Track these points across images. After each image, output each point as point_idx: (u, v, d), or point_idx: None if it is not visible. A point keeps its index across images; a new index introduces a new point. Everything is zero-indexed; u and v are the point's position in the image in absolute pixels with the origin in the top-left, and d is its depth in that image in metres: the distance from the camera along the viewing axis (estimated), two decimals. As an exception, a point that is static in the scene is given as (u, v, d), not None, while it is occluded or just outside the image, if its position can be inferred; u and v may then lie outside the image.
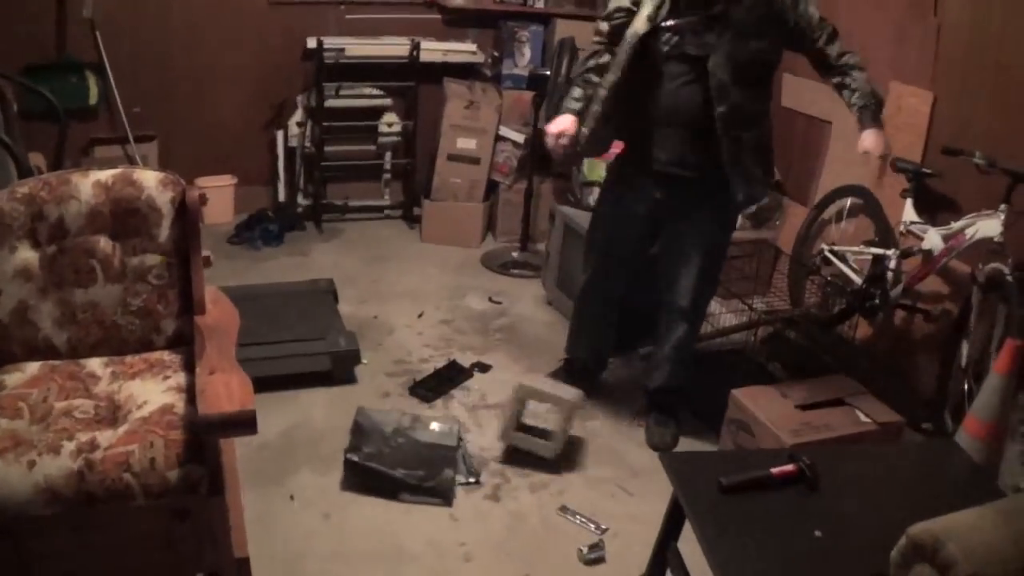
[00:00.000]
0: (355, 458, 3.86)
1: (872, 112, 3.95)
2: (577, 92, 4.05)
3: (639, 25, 3.81)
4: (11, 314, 3.27)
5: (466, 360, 4.98)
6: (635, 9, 3.85)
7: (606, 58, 3.98)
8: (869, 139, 3.97)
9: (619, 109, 3.97)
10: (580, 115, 4.02)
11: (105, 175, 3.40)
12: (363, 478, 3.87)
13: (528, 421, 4.20)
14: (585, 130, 3.99)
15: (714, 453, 4.17)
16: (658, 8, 3.77)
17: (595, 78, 4.01)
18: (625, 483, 4.06)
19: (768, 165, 4.06)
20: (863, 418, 3.98)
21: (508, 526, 3.76)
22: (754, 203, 4.23)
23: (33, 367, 3.24)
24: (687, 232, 4.08)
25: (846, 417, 4.00)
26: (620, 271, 4.39)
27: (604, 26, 4.01)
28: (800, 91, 5.92)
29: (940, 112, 4.85)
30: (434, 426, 4.03)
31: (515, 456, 4.16)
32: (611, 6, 3.99)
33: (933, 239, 4.52)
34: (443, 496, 3.85)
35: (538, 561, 3.56)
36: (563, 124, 4.00)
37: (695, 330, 4.39)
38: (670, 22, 3.77)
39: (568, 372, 4.72)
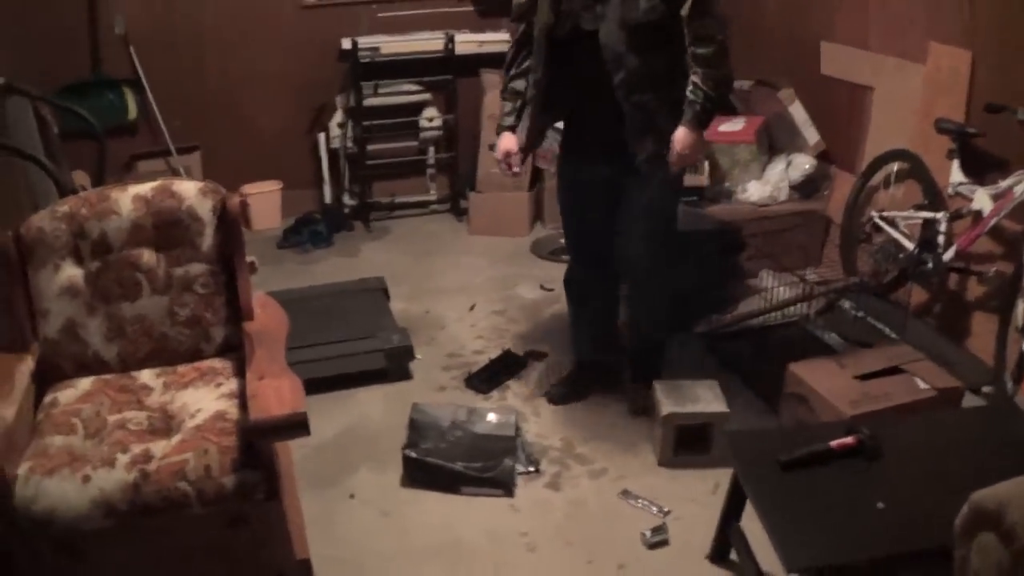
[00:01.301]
0: (413, 454, 3.86)
1: (695, 111, 3.72)
2: (507, 107, 4.08)
3: (544, 17, 3.78)
4: (60, 332, 3.30)
5: (520, 349, 4.95)
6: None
7: (526, 63, 3.99)
8: (676, 139, 3.77)
9: (549, 99, 3.96)
10: (516, 128, 4.07)
11: (144, 188, 3.42)
12: (423, 473, 3.87)
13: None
14: (523, 132, 4.06)
15: (773, 429, 4.12)
16: None
17: (520, 86, 4.03)
18: (686, 463, 4.01)
19: None
20: (922, 385, 3.92)
21: (569, 514, 3.74)
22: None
23: (85, 383, 3.26)
24: (633, 199, 3.98)
25: (905, 385, 3.95)
26: (595, 255, 4.29)
27: (514, 27, 4.02)
28: (839, 58, 5.85)
29: (980, 70, 4.75)
30: (491, 417, 4.01)
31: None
32: (514, 2, 3.98)
33: (982, 199, 4.44)
34: (504, 486, 3.83)
35: (601, 547, 3.54)
36: (505, 145, 4.05)
37: (657, 290, 4.30)
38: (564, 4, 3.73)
39: (579, 376, 4.64)
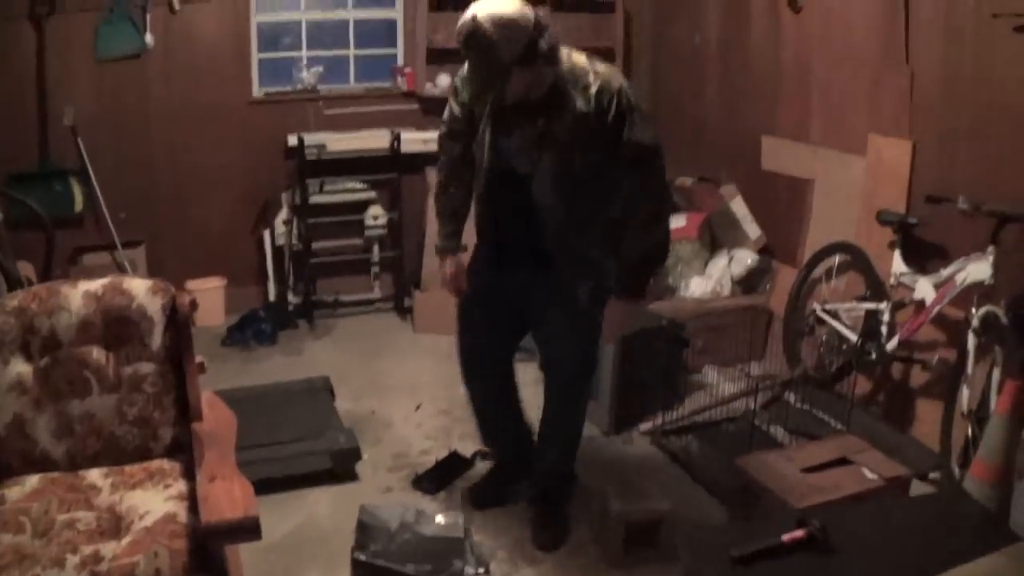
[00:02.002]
0: (363, 556, 3.80)
1: (627, 282, 3.76)
2: (448, 228, 4.16)
3: (481, 152, 3.79)
4: (7, 427, 3.25)
5: (467, 449, 4.91)
6: (470, 116, 3.85)
7: (456, 188, 4.08)
8: (611, 314, 3.83)
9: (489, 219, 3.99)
10: (455, 248, 4.16)
11: (95, 285, 3.41)
12: (372, 576, 3.82)
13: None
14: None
15: (723, 525, 4.14)
16: (487, 120, 3.74)
17: (458, 207, 4.11)
18: (636, 561, 3.98)
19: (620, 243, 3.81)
20: (870, 475, 3.94)
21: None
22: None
23: (33, 480, 3.21)
24: (554, 315, 3.94)
25: (853, 475, 3.96)
26: (500, 361, 4.31)
27: (448, 144, 4.05)
28: (780, 152, 5.96)
29: (921, 160, 4.88)
30: (439, 519, 3.97)
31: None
32: (446, 114, 4.00)
33: (924, 288, 4.53)
34: (454, 590, 3.79)
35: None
36: (451, 270, 4.16)
37: (581, 402, 4.24)
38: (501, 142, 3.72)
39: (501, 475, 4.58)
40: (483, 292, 4.12)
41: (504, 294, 4.01)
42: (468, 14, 3.34)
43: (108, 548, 2.83)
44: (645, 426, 5.09)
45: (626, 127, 3.52)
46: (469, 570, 3.87)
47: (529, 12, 3.36)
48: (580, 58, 3.58)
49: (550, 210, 3.65)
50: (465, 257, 4.17)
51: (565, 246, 3.73)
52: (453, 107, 3.92)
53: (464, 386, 4.42)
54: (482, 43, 3.30)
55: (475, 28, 3.30)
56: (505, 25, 3.29)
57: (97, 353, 3.35)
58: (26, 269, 5.46)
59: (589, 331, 3.97)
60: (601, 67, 3.58)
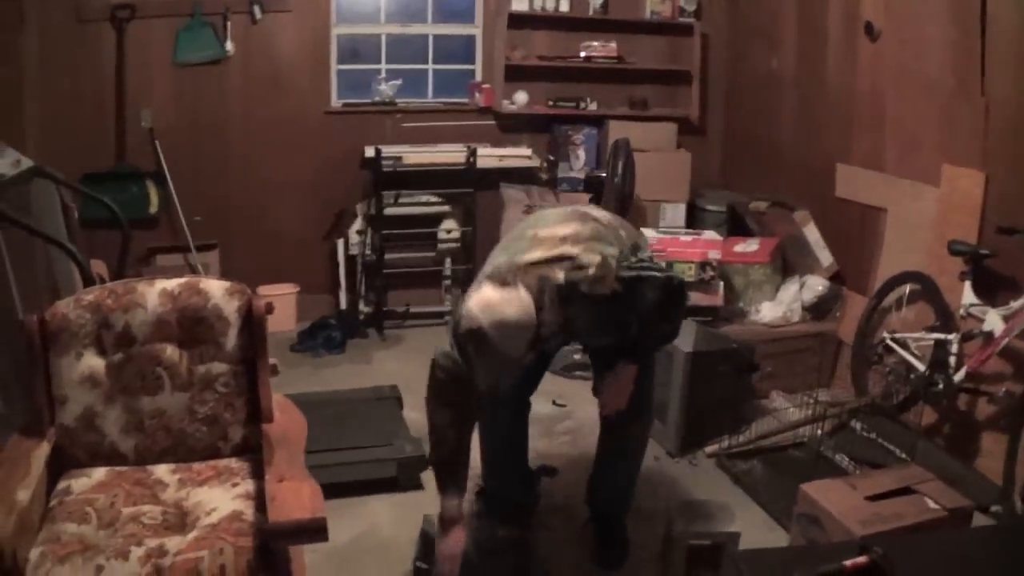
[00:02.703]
0: (424, 565, 3.81)
1: (640, 352, 3.78)
2: (452, 494, 3.67)
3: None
4: (77, 420, 3.29)
5: (532, 464, 4.89)
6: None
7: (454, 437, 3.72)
8: (623, 377, 3.78)
9: None
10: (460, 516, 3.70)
11: (171, 284, 3.43)
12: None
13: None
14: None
15: (785, 549, 4.09)
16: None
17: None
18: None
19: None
20: (932, 505, 3.89)
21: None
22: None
23: (100, 473, 3.24)
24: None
25: (915, 505, 3.91)
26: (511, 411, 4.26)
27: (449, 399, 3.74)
28: (854, 180, 5.92)
29: (993, 191, 4.82)
30: (500, 532, 3.97)
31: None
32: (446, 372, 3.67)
33: (993, 320, 4.49)
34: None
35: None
36: (451, 546, 3.62)
37: (639, 452, 4.20)
38: None
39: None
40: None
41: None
42: (474, 314, 3.20)
43: (173, 542, 2.84)
44: (711, 448, 5.06)
45: (641, 296, 3.48)
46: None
47: (526, 302, 3.23)
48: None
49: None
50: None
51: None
52: (440, 362, 3.69)
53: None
54: (489, 349, 3.19)
55: (482, 337, 3.18)
56: (509, 328, 3.18)
57: (171, 351, 3.38)
58: (99, 267, 5.53)
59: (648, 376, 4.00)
60: (587, 255, 3.42)
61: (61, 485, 3.18)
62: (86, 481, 3.18)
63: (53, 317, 3.30)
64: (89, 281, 4.26)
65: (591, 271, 3.34)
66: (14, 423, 3.49)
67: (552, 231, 3.48)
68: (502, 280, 3.27)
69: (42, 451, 3.17)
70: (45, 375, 3.29)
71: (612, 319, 3.49)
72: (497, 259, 3.48)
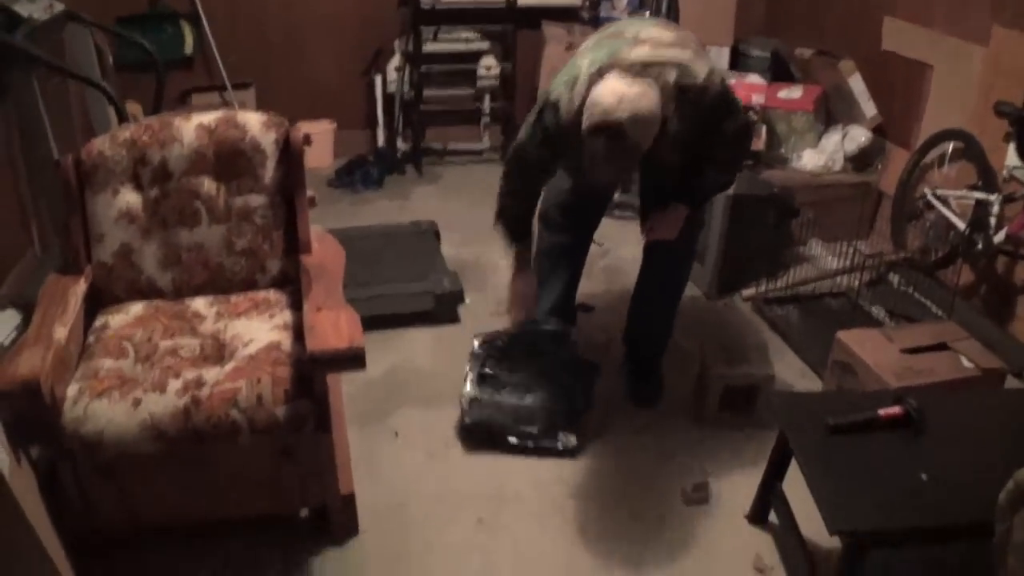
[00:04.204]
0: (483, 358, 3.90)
1: (697, 195, 3.74)
2: (520, 231, 3.96)
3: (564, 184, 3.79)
4: (114, 256, 3.32)
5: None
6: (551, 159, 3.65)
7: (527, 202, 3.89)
8: (671, 215, 3.72)
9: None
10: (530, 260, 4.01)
11: (208, 118, 3.42)
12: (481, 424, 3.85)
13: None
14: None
15: (821, 393, 4.11)
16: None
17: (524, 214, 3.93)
18: (729, 423, 3.99)
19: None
20: (967, 364, 3.87)
21: (612, 466, 3.73)
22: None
23: (137, 307, 3.28)
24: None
25: (950, 362, 3.90)
26: (587, 223, 4.23)
27: (524, 180, 3.82)
28: (901, 34, 5.77)
29: (1042, 53, 4.70)
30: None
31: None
32: (524, 149, 3.63)
33: (1036, 183, 4.42)
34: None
35: (642, 501, 3.53)
36: (521, 287, 3.99)
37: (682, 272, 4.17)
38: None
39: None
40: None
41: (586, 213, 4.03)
42: (609, 106, 3.06)
43: (211, 373, 2.89)
44: (748, 292, 5.05)
45: (723, 122, 3.46)
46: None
47: (657, 96, 3.14)
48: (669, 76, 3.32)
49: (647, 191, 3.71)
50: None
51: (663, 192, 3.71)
52: (530, 152, 3.61)
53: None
54: (622, 144, 3.09)
55: (618, 131, 3.05)
56: (644, 123, 3.09)
57: (208, 184, 3.39)
58: (135, 109, 5.52)
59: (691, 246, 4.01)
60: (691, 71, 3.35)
61: (98, 322, 3.23)
62: (123, 317, 3.22)
63: (89, 155, 3.31)
64: (124, 120, 4.26)
65: (699, 80, 3.29)
66: (52, 266, 3.51)
67: (653, 34, 3.37)
68: (629, 72, 3.16)
69: (79, 289, 3.21)
70: (82, 214, 3.31)
71: (700, 136, 3.43)
72: (594, 54, 3.34)
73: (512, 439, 3.77)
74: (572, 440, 3.78)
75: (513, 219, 3.91)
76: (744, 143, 3.70)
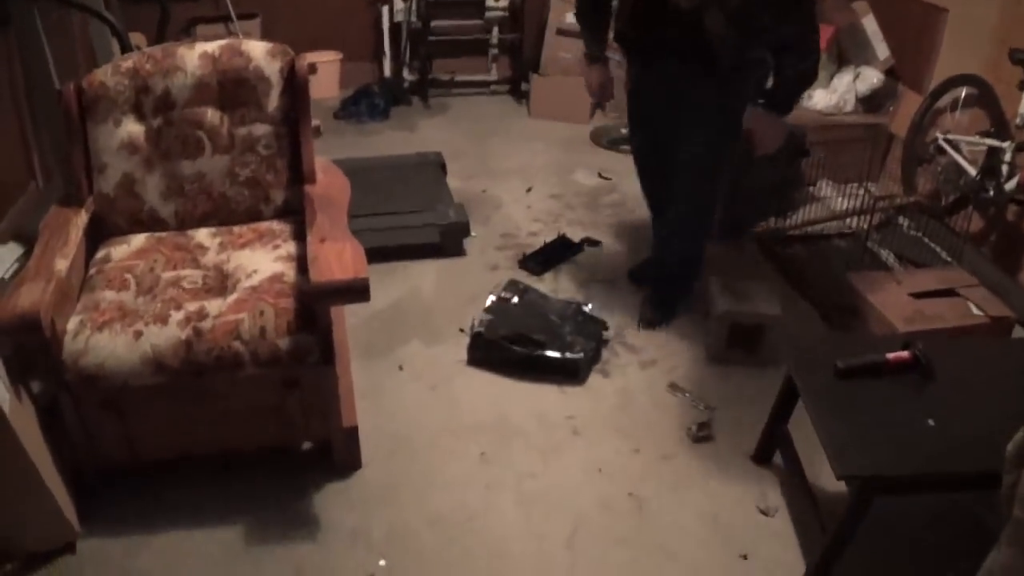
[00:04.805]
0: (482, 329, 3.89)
1: (781, 93, 3.72)
2: (594, 36, 4.03)
3: None
4: (116, 187, 3.29)
5: (575, 235, 4.90)
6: None
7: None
8: (757, 120, 3.75)
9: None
10: (603, 56, 4.05)
11: (212, 47, 3.38)
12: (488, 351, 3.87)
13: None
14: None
15: (829, 336, 4.09)
16: None
17: (599, 21, 3.97)
18: (735, 361, 3.98)
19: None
20: (975, 311, 3.87)
21: (617, 402, 3.72)
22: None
23: (139, 239, 3.26)
24: (701, 106, 3.81)
25: (958, 308, 3.91)
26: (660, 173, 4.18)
27: None
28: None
29: (1058, 2, 4.64)
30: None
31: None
32: None
33: (1050, 132, 4.38)
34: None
35: (647, 437, 3.52)
36: (595, 77, 4.07)
37: (701, 212, 4.14)
38: None
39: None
40: (638, 76, 4.06)
41: (659, 88, 3.93)
42: None
43: (213, 305, 2.87)
44: (757, 231, 5.02)
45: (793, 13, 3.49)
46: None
47: None
48: None
49: (721, 41, 3.54)
50: (610, 69, 4.11)
51: (727, 48, 3.60)
52: None
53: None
54: None
55: None
56: None
57: (211, 114, 3.35)
58: (139, 39, 5.47)
59: (729, 128, 3.87)
60: None
61: (100, 253, 3.20)
62: (125, 248, 3.20)
63: (90, 85, 3.27)
64: (127, 51, 4.21)
65: None
66: (53, 198, 3.48)
67: None
68: None
69: (81, 220, 3.19)
70: (83, 144, 3.28)
71: (762, 9, 3.44)
72: None
73: (518, 348, 3.79)
74: (579, 355, 3.80)
75: (582, 14, 4.02)
76: (813, 18, 3.67)
